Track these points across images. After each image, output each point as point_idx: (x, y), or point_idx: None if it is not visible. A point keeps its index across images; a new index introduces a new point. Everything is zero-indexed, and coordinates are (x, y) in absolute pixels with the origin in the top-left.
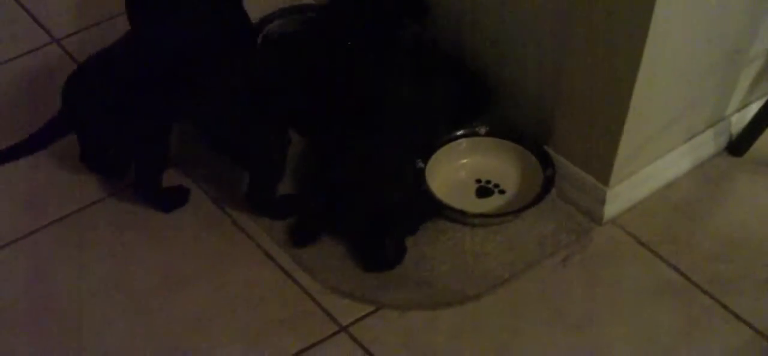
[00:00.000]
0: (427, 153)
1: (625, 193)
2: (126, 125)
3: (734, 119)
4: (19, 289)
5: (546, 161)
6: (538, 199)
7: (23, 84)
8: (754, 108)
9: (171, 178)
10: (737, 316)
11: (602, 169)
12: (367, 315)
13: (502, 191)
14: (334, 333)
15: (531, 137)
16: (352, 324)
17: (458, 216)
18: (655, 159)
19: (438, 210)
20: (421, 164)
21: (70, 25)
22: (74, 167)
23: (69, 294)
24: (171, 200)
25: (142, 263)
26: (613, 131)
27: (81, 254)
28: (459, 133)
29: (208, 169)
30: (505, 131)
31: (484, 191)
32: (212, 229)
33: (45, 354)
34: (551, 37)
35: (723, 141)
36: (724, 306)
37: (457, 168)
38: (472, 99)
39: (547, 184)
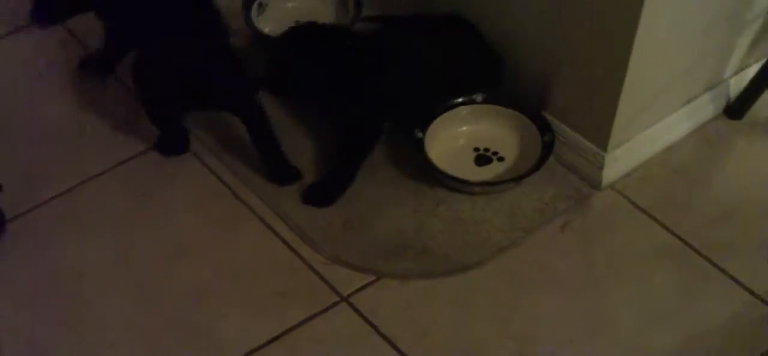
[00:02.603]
0: (426, 122)
1: (623, 158)
2: None
3: (732, 81)
4: (21, 261)
5: (544, 128)
6: (537, 166)
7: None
8: (752, 70)
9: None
10: (735, 280)
11: (600, 134)
12: (368, 284)
13: (501, 159)
14: (335, 304)
15: (529, 104)
16: (353, 294)
17: (457, 185)
18: (653, 123)
19: (438, 179)
20: (419, 134)
21: None
22: (74, 142)
23: (71, 267)
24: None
25: (144, 235)
26: (610, 96)
27: (83, 227)
28: (457, 101)
29: (211, 142)
30: (503, 98)
31: (483, 158)
32: (214, 201)
33: (47, 325)
34: (550, 2)
35: (721, 104)
36: (722, 270)
37: (456, 136)
38: (485, 69)
39: (546, 150)
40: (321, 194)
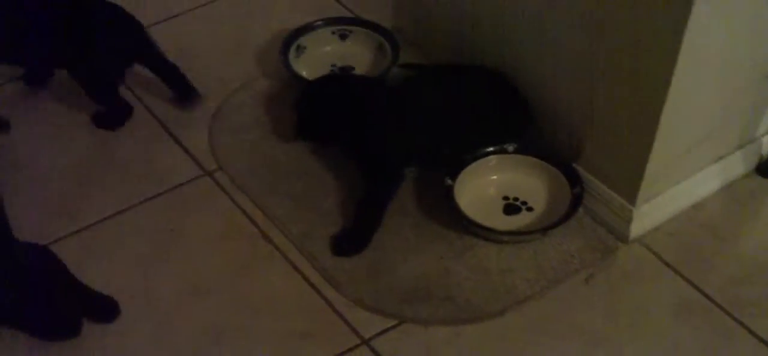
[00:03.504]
0: (456, 170)
1: (651, 212)
2: None
3: (765, 140)
4: None
5: (574, 180)
6: (566, 217)
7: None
8: None
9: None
10: (760, 339)
11: (629, 188)
12: (390, 328)
13: (529, 209)
14: (356, 346)
15: (560, 155)
16: (375, 337)
17: (485, 233)
18: (683, 179)
19: (465, 226)
20: (449, 181)
21: None
22: (100, 177)
23: None
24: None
25: (166, 270)
26: (641, 151)
27: (105, 262)
28: (488, 150)
29: (239, 178)
30: (534, 148)
31: (511, 208)
32: (240, 239)
33: None
34: (582, 57)
35: (752, 162)
36: (747, 328)
37: (486, 185)
38: (512, 119)
39: (575, 202)
40: (349, 245)
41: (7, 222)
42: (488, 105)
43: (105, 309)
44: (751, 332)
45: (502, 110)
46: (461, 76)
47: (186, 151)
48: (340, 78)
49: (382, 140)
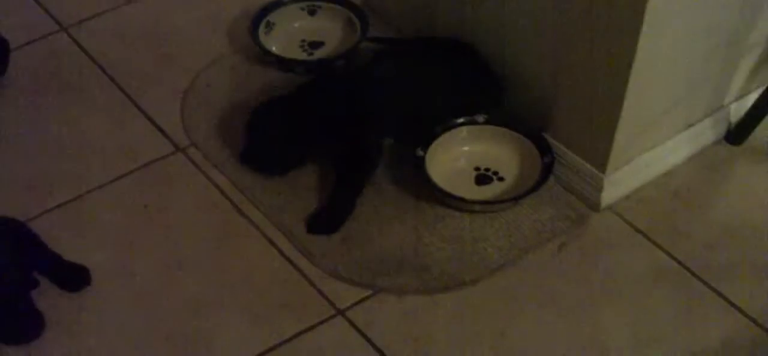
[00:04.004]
0: (427, 141)
1: (622, 180)
2: None
3: (733, 107)
4: None
5: (544, 149)
6: (537, 186)
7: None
8: (752, 97)
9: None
10: (732, 304)
11: (599, 156)
12: (365, 299)
13: (501, 179)
14: (331, 317)
15: (530, 125)
16: (350, 307)
17: (457, 203)
18: (653, 147)
19: (438, 197)
20: (420, 153)
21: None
22: (77, 154)
23: None
24: None
25: (144, 246)
26: (610, 119)
27: (84, 238)
28: (458, 121)
29: (213, 154)
30: (504, 119)
31: (483, 178)
32: (215, 214)
33: (44, 339)
34: (550, 25)
35: (722, 130)
36: (720, 294)
37: (457, 156)
38: (484, 90)
39: (546, 171)
40: (324, 224)
41: None
42: (459, 77)
43: (76, 278)
44: (722, 296)
45: (473, 81)
46: (431, 49)
47: (158, 128)
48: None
49: (356, 125)
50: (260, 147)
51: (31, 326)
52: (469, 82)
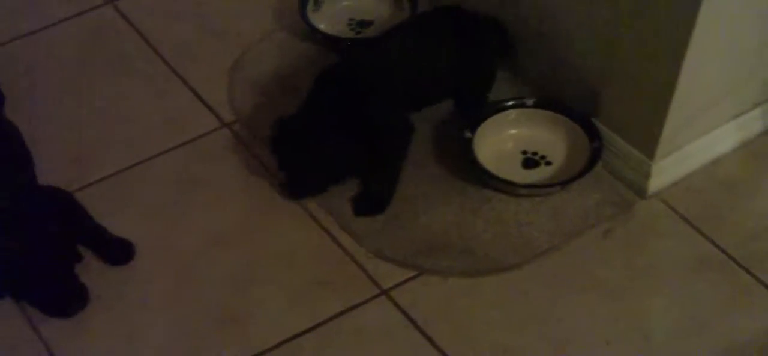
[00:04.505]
0: (475, 123)
1: (669, 168)
2: None
3: None
4: None
5: (593, 134)
6: (584, 171)
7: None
8: None
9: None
10: None
11: (648, 143)
12: (409, 279)
13: (548, 163)
14: (375, 296)
15: (579, 109)
16: (393, 288)
17: (504, 187)
18: (702, 135)
19: (484, 180)
20: (468, 134)
21: None
22: (120, 128)
23: None
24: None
25: (186, 221)
26: (660, 106)
27: (129, 210)
28: (507, 103)
29: (257, 130)
30: (553, 102)
31: (530, 162)
32: (260, 190)
33: (87, 312)
34: (602, 10)
35: None
36: (764, 284)
37: (505, 139)
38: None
39: (594, 156)
40: (371, 205)
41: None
42: (462, 36)
43: (121, 252)
44: (766, 286)
45: (475, 38)
46: (432, 19)
47: (204, 102)
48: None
49: (383, 110)
50: (301, 183)
51: (74, 299)
52: (471, 39)
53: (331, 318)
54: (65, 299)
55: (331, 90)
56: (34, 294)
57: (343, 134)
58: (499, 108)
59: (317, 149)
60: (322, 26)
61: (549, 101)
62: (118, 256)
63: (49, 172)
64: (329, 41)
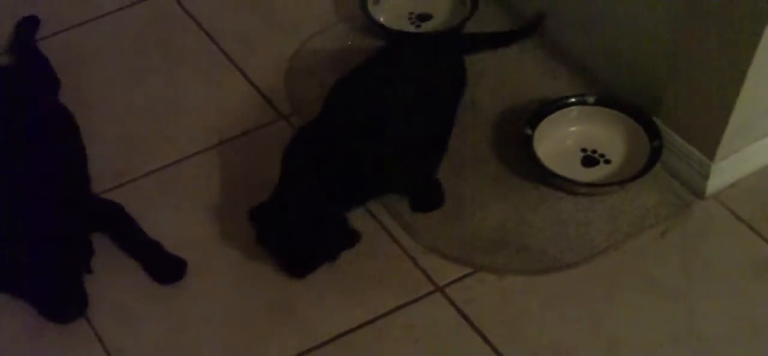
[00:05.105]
0: (536, 120)
1: (729, 169)
2: None
3: None
4: None
5: (654, 133)
6: (644, 171)
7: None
8: None
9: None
10: None
11: (709, 143)
12: (464, 276)
13: (607, 161)
14: (430, 293)
15: (640, 108)
16: (448, 284)
17: (563, 184)
18: (762, 137)
19: (543, 177)
20: (528, 131)
21: None
22: (175, 119)
23: (167, 240)
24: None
25: (240, 216)
26: (724, 107)
27: (180, 205)
28: (569, 100)
29: None
30: (614, 100)
31: (589, 160)
32: None
33: (140, 296)
34: (667, 7)
35: None
36: None
37: (564, 136)
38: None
39: (654, 156)
40: (429, 201)
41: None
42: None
43: (171, 270)
44: None
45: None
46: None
47: (262, 94)
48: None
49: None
50: (302, 263)
51: (76, 305)
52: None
53: (385, 314)
54: (63, 303)
55: (307, 155)
56: (36, 295)
57: (330, 195)
58: (560, 105)
59: (307, 222)
60: (381, 19)
61: (610, 99)
62: (167, 275)
63: (102, 161)
64: (389, 34)
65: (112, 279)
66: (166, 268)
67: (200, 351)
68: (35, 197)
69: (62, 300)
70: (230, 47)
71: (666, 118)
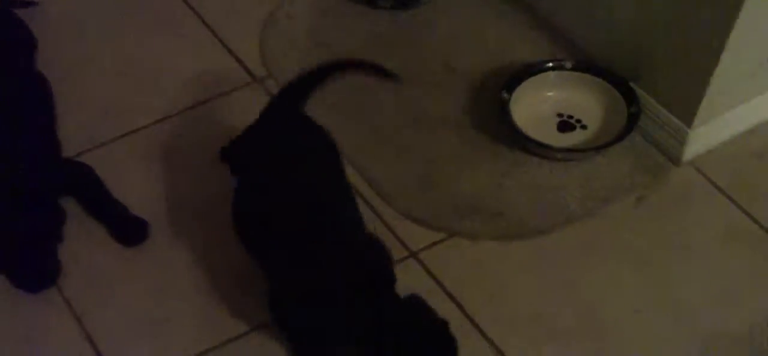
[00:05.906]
0: (513, 84)
1: (706, 135)
2: None
3: None
4: None
5: (631, 99)
6: (621, 137)
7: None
8: None
9: None
10: None
11: (687, 110)
12: (439, 242)
13: (584, 127)
14: (404, 258)
15: (618, 73)
16: (423, 250)
17: (539, 149)
18: (740, 104)
19: (519, 142)
20: (505, 95)
21: None
22: (151, 82)
23: (139, 204)
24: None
25: (215, 177)
26: (703, 73)
27: (153, 166)
28: (547, 65)
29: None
30: (592, 65)
31: (566, 125)
32: None
33: (111, 258)
34: None
35: None
36: None
37: (541, 101)
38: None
39: (631, 122)
40: None
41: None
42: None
43: (134, 232)
44: None
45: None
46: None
47: (236, 57)
48: None
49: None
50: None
51: (48, 275)
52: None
53: None
54: (40, 274)
55: None
56: (10, 264)
57: None
58: (537, 69)
59: None
60: None
61: (588, 64)
62: (131, 237)
63: (79, 123)
64: None
65: (82, 244)
66: (128, 229)
67: (171, 317)
68: (4, 165)
69: (34, 269)
70: (205, 10)
71: (644, 84)
